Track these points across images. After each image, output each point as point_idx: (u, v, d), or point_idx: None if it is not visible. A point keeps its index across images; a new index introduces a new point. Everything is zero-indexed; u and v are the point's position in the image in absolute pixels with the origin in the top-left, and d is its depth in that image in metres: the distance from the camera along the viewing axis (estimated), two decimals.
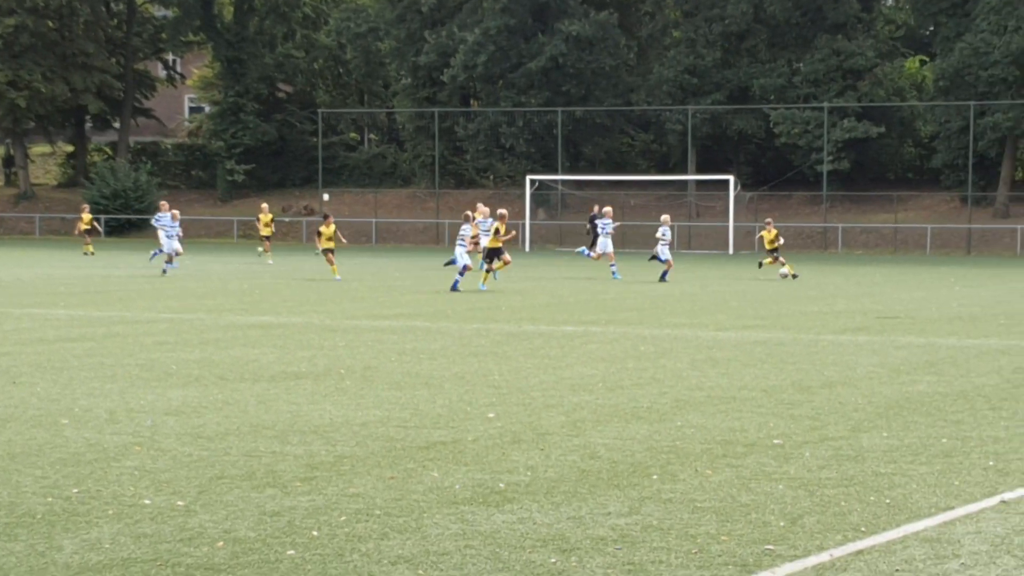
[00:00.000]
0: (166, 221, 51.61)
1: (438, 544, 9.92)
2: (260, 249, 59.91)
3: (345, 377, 19.39)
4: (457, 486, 11.91)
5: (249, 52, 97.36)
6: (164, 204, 54.00)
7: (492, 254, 41.41)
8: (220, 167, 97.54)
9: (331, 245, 46.04)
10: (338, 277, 44.93)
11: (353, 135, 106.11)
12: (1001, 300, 36.93)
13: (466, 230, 41.78)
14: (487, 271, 41.35)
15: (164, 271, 48.55)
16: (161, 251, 53.07)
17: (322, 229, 46.16)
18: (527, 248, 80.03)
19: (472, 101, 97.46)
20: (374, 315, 30.73)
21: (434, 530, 10.34)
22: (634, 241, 79.66)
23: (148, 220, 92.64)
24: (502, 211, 43.44)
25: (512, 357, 22.13)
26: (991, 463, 13.07)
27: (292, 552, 9.68)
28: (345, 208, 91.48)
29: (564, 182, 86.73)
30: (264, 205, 62.32)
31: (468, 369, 20.41)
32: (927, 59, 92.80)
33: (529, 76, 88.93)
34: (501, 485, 11.96)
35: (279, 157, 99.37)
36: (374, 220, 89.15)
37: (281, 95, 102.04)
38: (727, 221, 78.22)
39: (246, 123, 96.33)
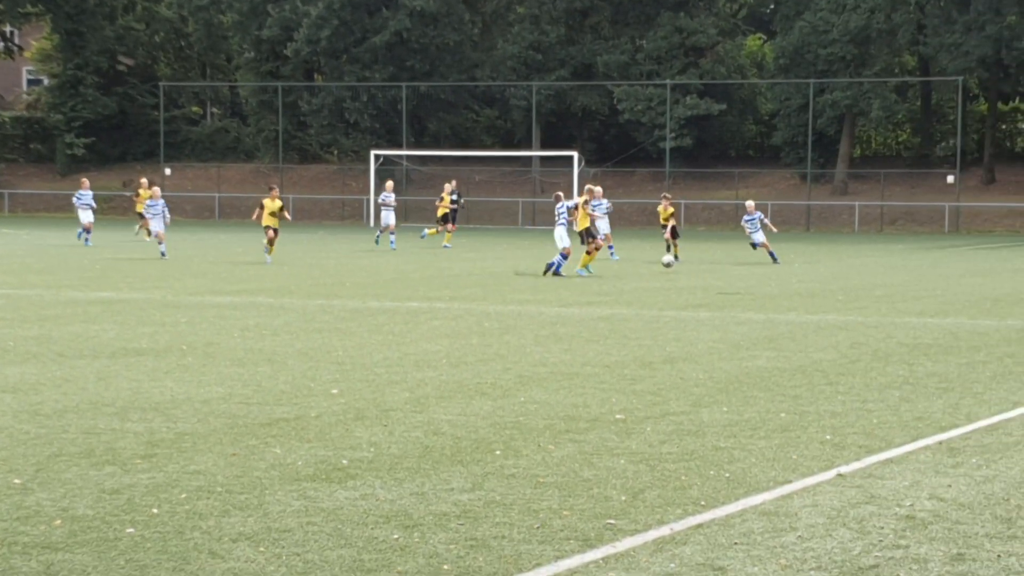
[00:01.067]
0: (157, 208, 46.57)
1: (280, 521, 9.87)
2: (137, 227, 56.24)
3: (187, 353, 19.20)
4: (300, 463, 11.85)
5: (88, 24, 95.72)
6: (145, 182, 49.90)
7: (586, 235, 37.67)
8: (59, 141, 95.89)
9: (274, 223, 40.85)
10: (269, 260, 40.35)
11: (195, 109, 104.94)
12: (839, 276, 37.51)
13: (562, 208, 38.12)
14: (588, 253, 37.63)
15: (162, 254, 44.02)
16: (85, 232, 51.06)
17: (265, 202, 41.31)
18: (370, 224, 79.72)
19: (316, 75, 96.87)
20: (216, 291, 30.46)
21: (276, 507, 10.28)
22: (479, 217, 79.79)
23: None
24: (590, 186, 40.48)
25: (356, 333, 22.06)
26: (828, 437, 13.28)
27: (132, 530, 9.57)
28: (188, 183, 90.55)
29: (409, 157, 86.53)
30: (144, 180, 59.25)
31: (312, 345, 20.32)
32: (767, 37, 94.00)
33: (373, 51, 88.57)
34: (344, 461, 11.92)
35: (120, 131, 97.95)
36: (217, 195, 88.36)
37: (122, 68, 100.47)
38: (571, 198, 78.57)
39: (86, 96, 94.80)
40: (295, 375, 17.10)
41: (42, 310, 25.49)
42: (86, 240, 50.90)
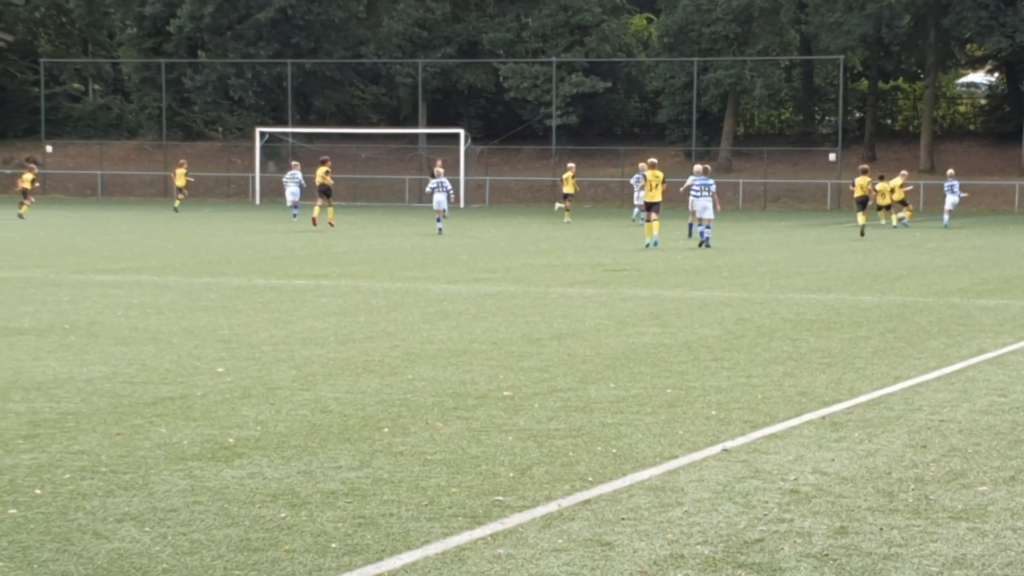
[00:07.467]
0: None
1: (165, 501, 9.78)
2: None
3: (70, 332, 18.98)
4: (185, 442, 11.75)
5: None
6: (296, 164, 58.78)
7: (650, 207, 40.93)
8: None
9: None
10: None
11: (77, 85, 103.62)
12: (723, 253, 37.78)
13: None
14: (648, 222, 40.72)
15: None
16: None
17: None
18: (258, 201, 79.24)
19: (200, 52, 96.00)
20: (100, 269, 30.13)
21: (161, 487, 10.18)
22: (365, 194, 79.54)
23: None
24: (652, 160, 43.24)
25: (242, 311, 21.91)
26: (713, 412, 13.37)
27: (14, 511, 9.45)
28: (69, 160, 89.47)
29: (294, 135, 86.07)
30: (31, 165, 59.93)
31: (197, 324, 20.15)
32: (653, 16, 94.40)
33: (258, 27, 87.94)
34: (230, 440, 11.84)
35: (0, 108, 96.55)
36: (100, 173, 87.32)
37: (1, 44, 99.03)
38: (458, 175, 78.56)
39: None
40: (180, 354, 16.96)
41: None
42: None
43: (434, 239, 43.43)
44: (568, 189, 59.36)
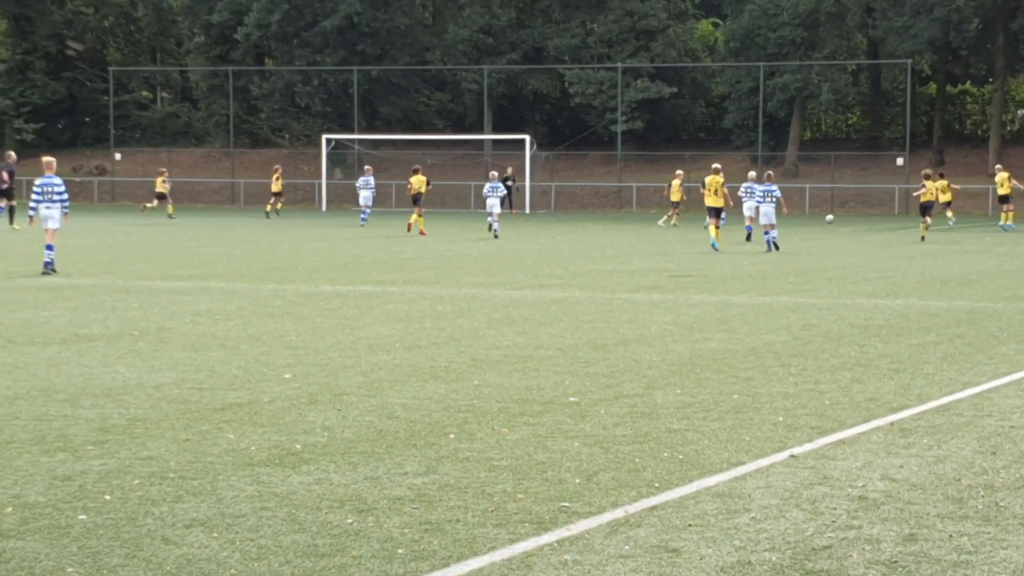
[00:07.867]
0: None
1: (233, 506, 9.83)
2: (148, 205, 66.04)
3: (139, 339, 19.11)
4: (253, 448, 11.81)
5: (37, 9, 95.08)
6: (368, 168, 62.06)
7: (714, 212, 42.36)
8: (8, 126, 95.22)
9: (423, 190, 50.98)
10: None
11: (145, 94, 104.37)
12: (790, 258, 37.63)
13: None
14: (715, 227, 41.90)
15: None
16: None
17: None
18: (324, 208, 79.56)
19: (266, 60, 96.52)
20: (168, 276, 30.32)
21: (229, 492, 10.23)
22: (430, 201, 79.69)
23: None
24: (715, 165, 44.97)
25: (309, 318, 22.00)
26: (780, 419, 13.31)
27: (84, 516, 9.52)
28: (138, 168, 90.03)
29: (360, 141, 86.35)
30: (162, 170, 69.75)
31: (264, 330, 20.25)
32: (719, 21, 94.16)
33: (324, 35, 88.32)
34: (298, 446, 11.88)
35: (69, 116, 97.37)
36: (168, 180, 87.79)
37: (71, 53, 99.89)
38: (524, 180, 78.68)
39: (34, 81, 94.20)
40: (248, 360, 17.04)
41: None
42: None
43: (498, 245, 43.48)
44: (675, 197, 59.56)
